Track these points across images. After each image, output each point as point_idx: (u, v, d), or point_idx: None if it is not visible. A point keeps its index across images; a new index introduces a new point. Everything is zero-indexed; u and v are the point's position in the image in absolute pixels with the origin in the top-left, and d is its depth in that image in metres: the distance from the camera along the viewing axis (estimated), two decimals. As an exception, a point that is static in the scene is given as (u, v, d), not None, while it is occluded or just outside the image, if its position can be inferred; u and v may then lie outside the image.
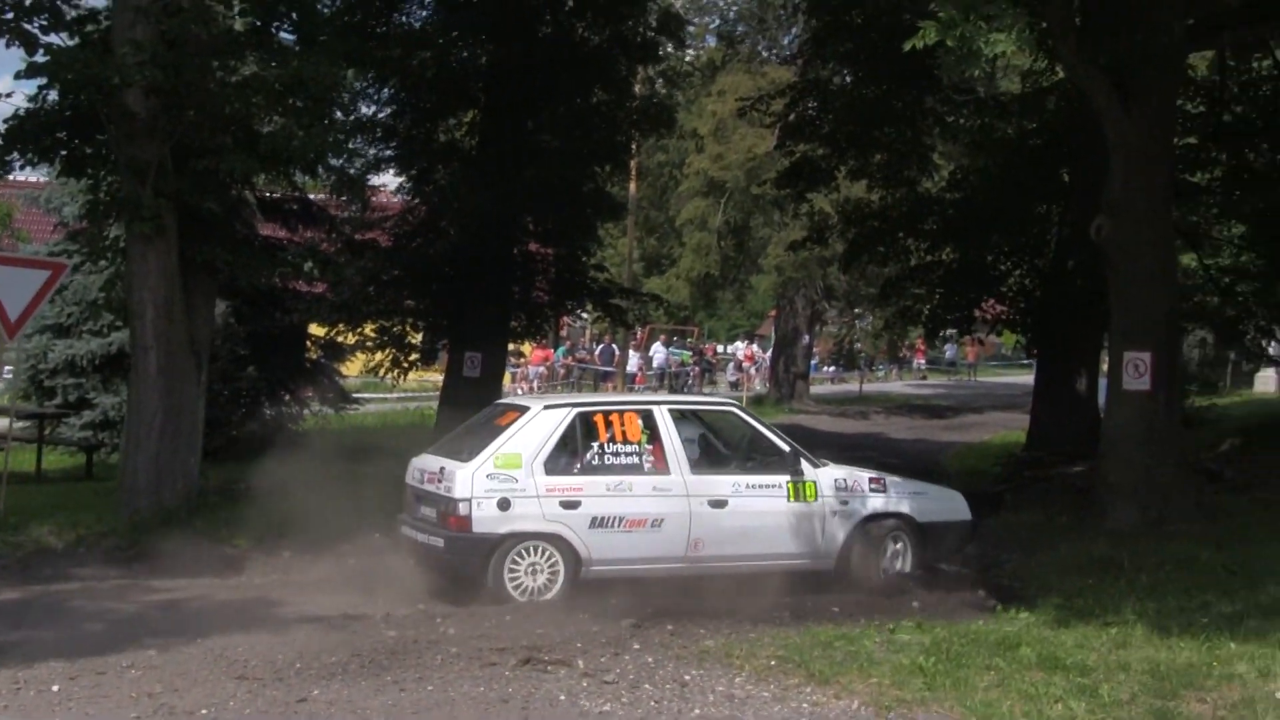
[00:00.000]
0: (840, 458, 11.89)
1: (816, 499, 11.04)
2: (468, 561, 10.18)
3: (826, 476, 11.17)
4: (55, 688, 7.29)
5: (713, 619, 9.44)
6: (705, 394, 33.55)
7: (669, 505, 10.56)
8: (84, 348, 18.77)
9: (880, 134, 20.23)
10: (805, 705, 7.16)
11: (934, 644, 8.30)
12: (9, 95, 12.73)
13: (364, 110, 19.85)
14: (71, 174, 14.08)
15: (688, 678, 7.64)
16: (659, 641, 8.61)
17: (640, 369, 38.23)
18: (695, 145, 37.39)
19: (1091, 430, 16.36)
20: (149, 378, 13.05)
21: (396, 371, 19.75)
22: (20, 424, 17.39)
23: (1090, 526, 13.10)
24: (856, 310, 41.68)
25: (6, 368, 20.50)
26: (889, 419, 31.56)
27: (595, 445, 10.61)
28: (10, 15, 12.38)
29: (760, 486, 10.93)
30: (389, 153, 19.39)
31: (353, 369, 22.50)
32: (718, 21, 37.90)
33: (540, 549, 10.25)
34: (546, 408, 10.81)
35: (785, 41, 34.91)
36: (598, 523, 10.36)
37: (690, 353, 43.84)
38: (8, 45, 12.48)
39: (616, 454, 10.64)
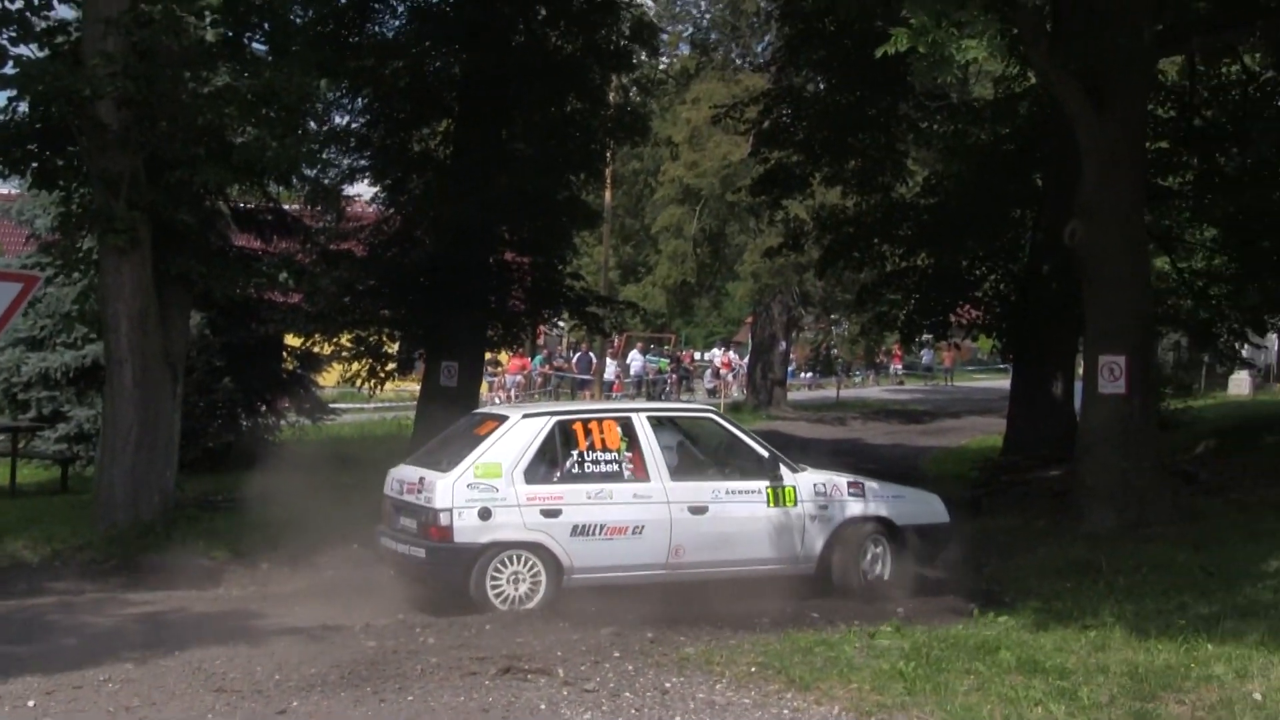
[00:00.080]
0: (819, 463, 11.89)
1: (796, 504, 11.05)
2: (450, 572, 10.14)
3: (805, 481, 11.18)
4: (31, 703, 7.22)
5: (693, 626, 9.44)
6: (683, 401, 33.59)
7: (649, 512, 10.55)
8: (58, 360, 18.67)
9: (854, 140, 20.29)
10: (786, 711, 7.15)
11: (914, 648, 8.31)
12: (-22, 108, 12.68)
13: (338, 120, 19.89)
14: (43, 186, 14.00)
15: (668, 685, 7.63)
16: (639, 649, 8.58)
17: (618, 377, 38.23)
18: (670, 153, 37.45)
19: (1068, 434, 16.44)
20: (124, 390, 12.99)
21: (373, 381, 19.69)
22: (-6, 438, 17.30)
23: (1068, 530, 13.17)
24: (833, 316, 41.75)
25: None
26: (867, 424, 31.62)
27: (575, 453, 10.59)
28: (-22, 28, 12.33)
29: (740, 492, 10.94)
30: (363, 163, 19.35)
31: (329, 379, 22.46)
32: (691, 29, 38.06)
33: (522, 558, 10.22)
34: (525, 416, 10.80)
35: (759, 49, 35.08)
36: (579, 531, 10.34)
37: (667, 360, 43.85)
38: (-24, 58, 12.42)
39: (596, 462, 10.63)
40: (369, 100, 19.04)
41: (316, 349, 19.97)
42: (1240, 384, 32.89)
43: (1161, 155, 18.46)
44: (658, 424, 11.16)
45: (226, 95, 12.90)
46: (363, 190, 26.22)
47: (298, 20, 15.72)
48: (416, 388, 20.67)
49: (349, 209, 20.52)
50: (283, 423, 20.84)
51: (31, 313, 18.22)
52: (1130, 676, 7.61)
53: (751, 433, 11.80)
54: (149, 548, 12.21)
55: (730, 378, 42.21)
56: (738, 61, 35.81)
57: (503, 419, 10.85)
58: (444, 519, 10.08)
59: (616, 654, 8.42)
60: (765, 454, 11.17)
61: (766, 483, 11.01)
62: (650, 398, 35.18)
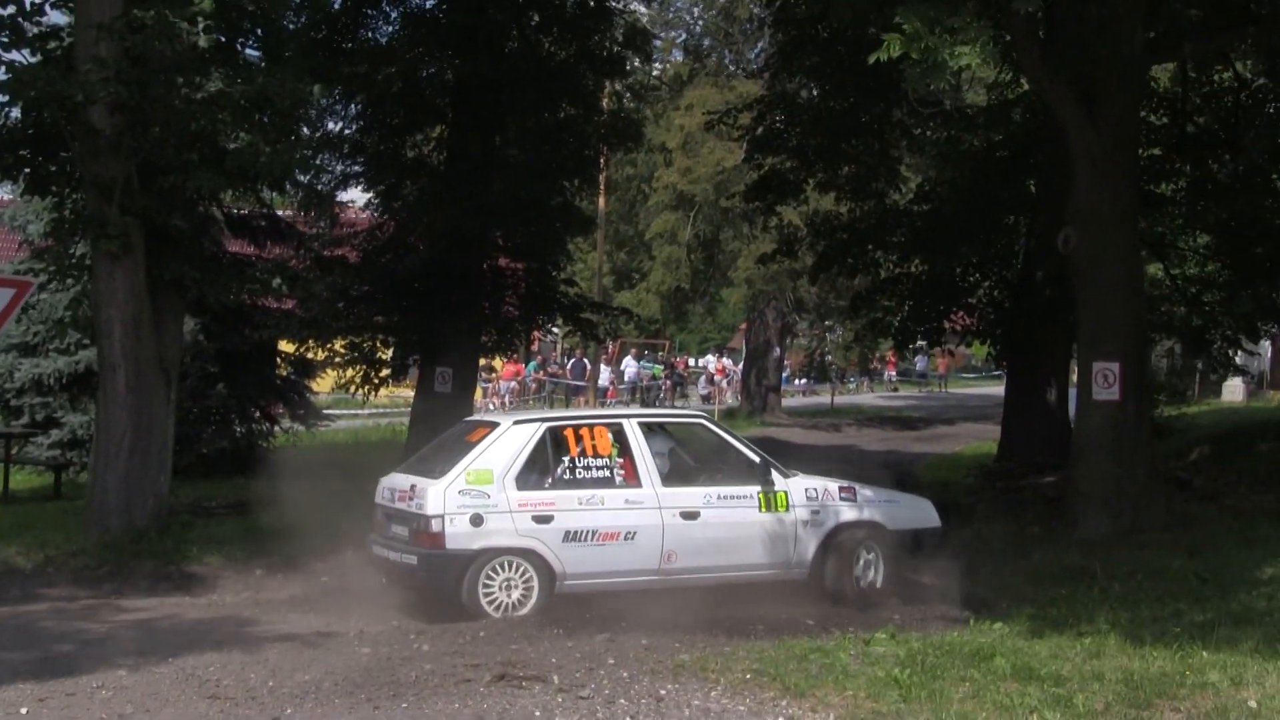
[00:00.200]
0: (813, 470, 11.89)
1: (788, 509, 11.05)
2: (442, 578, 10.13)
3: (797, 487, 11.17)
4: (24, 710, 7.20)
5: (687, 632, 9.40)
6: (677, 407, 33.58)
7: (641, 518, 10.55)
8: (51, 366, 18.65)
9: (848, 146, 20.29)
10: (781, 718, 7.14)
11: (909, 656, 8.30)
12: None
13: (331, 126, 19.84)
14: (36, 192, 13.96)
15: (663, 692, 7.61)
16: (634, 656, 8.56)
17: (612, 383, 38.23)
18: (664, 159, 37.43)
19: (1062, 440, 16.44)
20: (117, 396, 12.96)
21: (367, 388, 19.64)
22: (-14, 444, 17.24)
23: (1062, 536, 13.16)
24: (827, 323, 41.80)
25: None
26: (861, 431, 31.62)
27: (566, 460, 10.59)
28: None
29: (731, 498, 10.94)
30: (356, 168, 19.31)
31: (323, 385, 22.42)
32: (684, 36, 38.05)
33: (514, 564, 10.21)
34: (516, 423, 10.80)
35: (752, 55, 35.07)
36: (571, 537, 10.34)
37: (662, 366, 43.86)
38: (-32, 63, 12.42)
39: (588, 468, 10.63)
40: (362, 106, 19.02)
41: (310, 355, 19.91)
42: (1234, 390, 32.91)
43: (1154, 162, 18.49)
44: (649, 430, 11.18)
45: (219, 101, 12.87)
46: (356, 196, 26.29)
47: (290, 26, 15.68)
48: (411, 394, 20.63)
49: (342, 215, 20.52)
50: (277, 429, 20.82)
51: (24, 318, 18.19)
52: (1125, 684, 7.60)
53: (742, 438, 11.80)
54: (142, 554, 12.18)
55: (725, 384, 42.22)
56: (731, 68, 35.82)
57: (494, 426, 10.84)
58: (436, 525, 10.07)
59: (611, 660, 8.40)
60: (756, 459, 11.16)
61: (758, 488, 11.01)
62: (644, 404, 35.17)
